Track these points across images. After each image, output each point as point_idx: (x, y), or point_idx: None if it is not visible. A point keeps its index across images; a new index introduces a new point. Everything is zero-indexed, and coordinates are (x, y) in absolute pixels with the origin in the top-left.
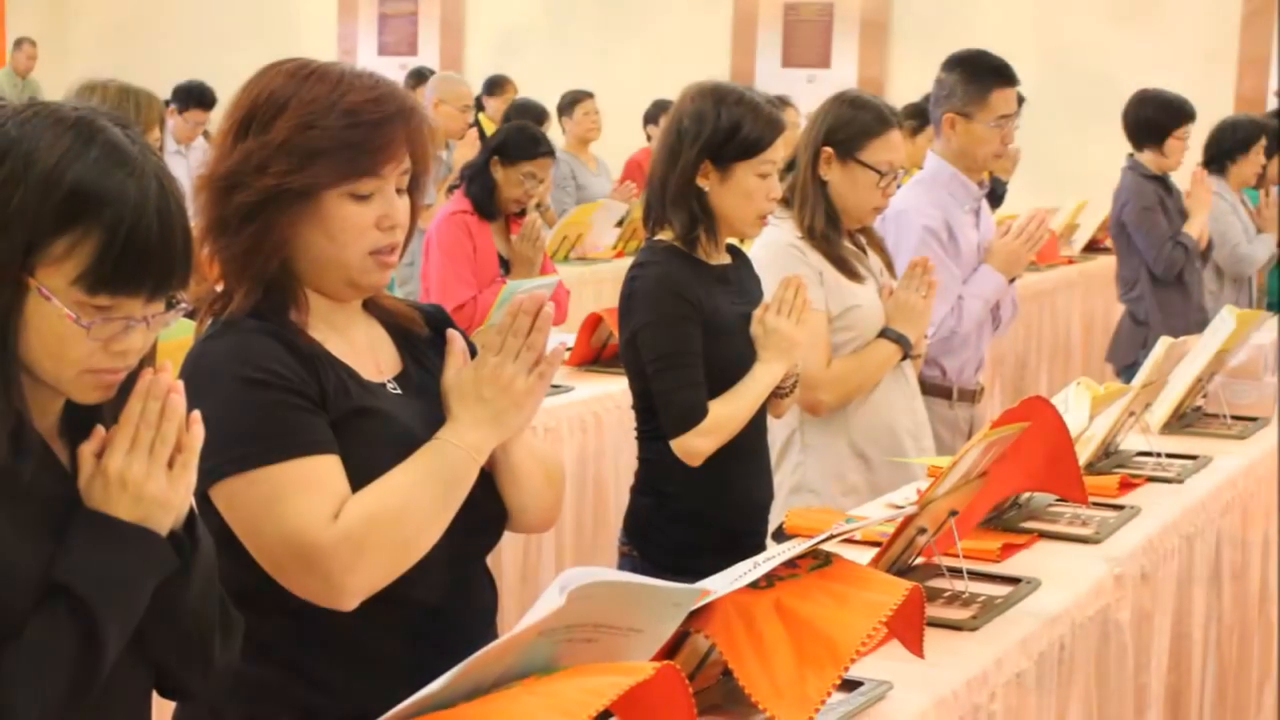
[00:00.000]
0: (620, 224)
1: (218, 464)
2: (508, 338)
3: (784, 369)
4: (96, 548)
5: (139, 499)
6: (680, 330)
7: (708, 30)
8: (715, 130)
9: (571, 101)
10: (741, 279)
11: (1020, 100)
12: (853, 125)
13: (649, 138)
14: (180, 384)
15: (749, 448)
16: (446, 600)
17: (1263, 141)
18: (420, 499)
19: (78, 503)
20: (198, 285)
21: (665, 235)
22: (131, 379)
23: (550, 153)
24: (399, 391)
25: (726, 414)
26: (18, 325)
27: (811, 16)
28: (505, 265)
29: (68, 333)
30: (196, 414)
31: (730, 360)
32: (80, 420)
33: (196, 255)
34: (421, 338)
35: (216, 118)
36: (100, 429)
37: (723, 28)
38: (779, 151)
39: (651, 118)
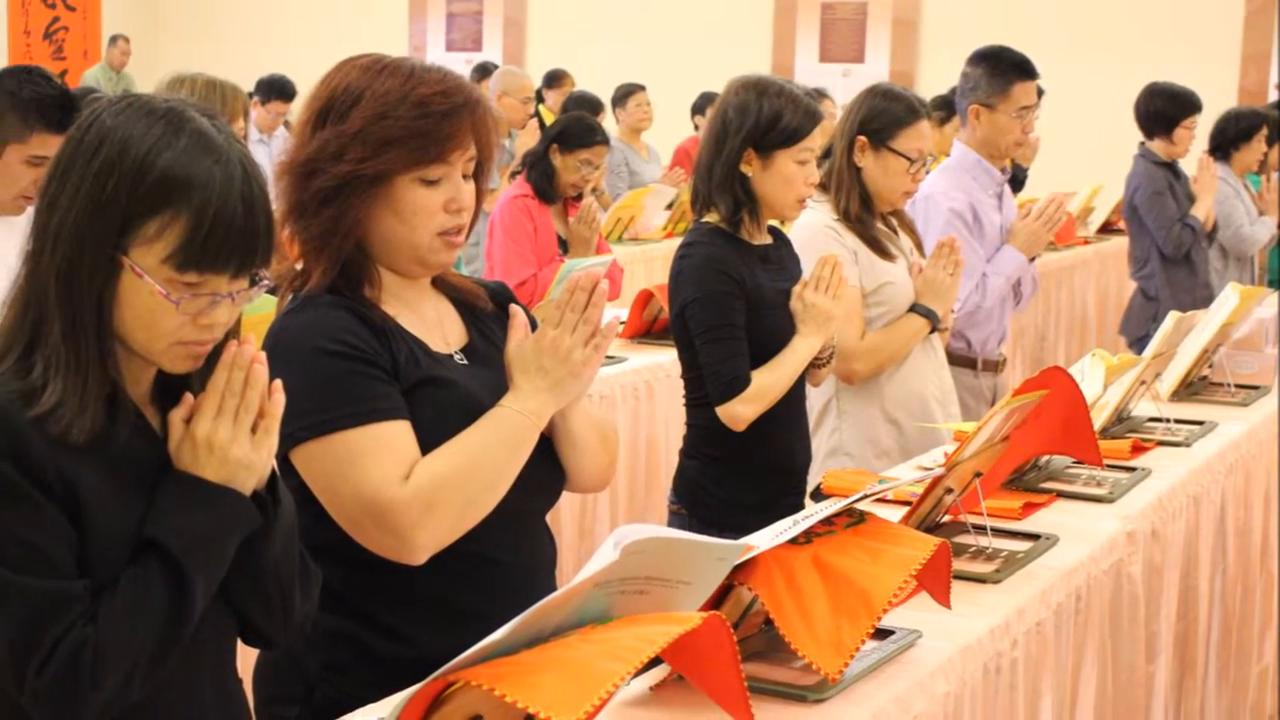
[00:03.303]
0: (670, 207)
1: (297, 429)
2: (566, 312)
3: (821, 341)
4: (185, 506)
5: (225, 461)
6: (725, 305)
7: (750, 28)
8: (758, 120)
9: (625, 94)
10: (782, 258)
11: (1040, 93)
12: (885, 116)
13: (696, 127)
14: (263, 355)
15: (789, 414)
16: (509, 554)
17: (1264, 131)
18: (485, 461)
19: (168, 464)
20: (279, 264)
21: (711, 217)
22: (218, 350)
23: (605, 141)
24: (465, 362)
25: (768, 383)
26: (113, 301)
27: (847, 15)
28: (563, 245)
29: (159, 307)
30: (278, 382)
31: (771, 333)
32: (170, 388)
33: (278, 236)
34: (486, 312)
35: (296, 109)
36: (189, 396)
37: (764, 25)
38: (816, 140)
39: (698, 109)
